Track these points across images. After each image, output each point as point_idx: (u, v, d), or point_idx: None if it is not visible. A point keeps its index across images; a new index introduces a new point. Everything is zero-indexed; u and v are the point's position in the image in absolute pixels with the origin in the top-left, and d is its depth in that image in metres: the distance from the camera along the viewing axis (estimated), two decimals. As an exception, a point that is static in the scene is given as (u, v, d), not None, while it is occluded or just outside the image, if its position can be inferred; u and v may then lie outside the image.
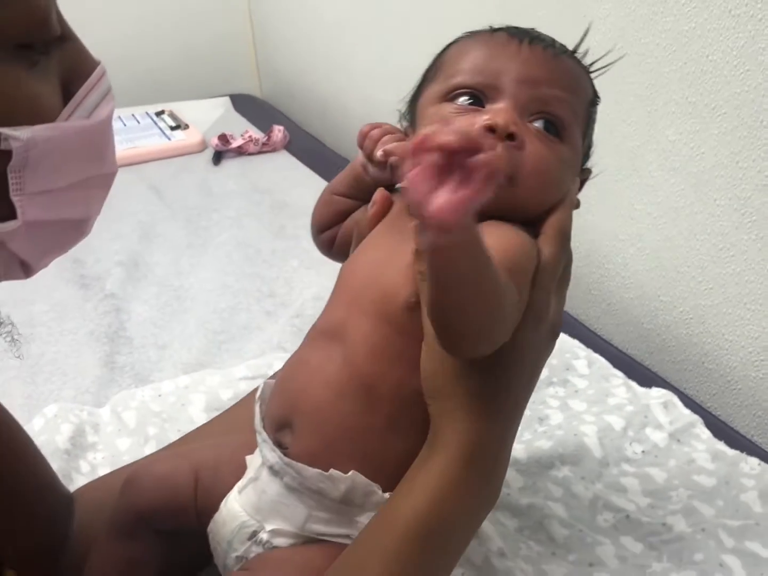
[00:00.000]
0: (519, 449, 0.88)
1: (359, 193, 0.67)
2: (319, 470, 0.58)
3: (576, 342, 1.09)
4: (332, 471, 0.57)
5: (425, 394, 0.56)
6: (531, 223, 0.59)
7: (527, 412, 0.95)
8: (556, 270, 0.58)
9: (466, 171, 0.42)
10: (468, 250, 0.45)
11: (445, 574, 0.56)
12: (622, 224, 1.13)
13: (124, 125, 1.88)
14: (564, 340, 1.09)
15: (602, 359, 1.06)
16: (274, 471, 0.60)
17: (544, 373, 1.02)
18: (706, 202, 1.00)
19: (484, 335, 0.51)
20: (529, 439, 0.91)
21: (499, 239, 0.54)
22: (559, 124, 0.60)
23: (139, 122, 1.90)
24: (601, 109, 1.09)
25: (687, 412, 0.96)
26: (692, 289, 1.06)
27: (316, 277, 1.30)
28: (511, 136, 0.57)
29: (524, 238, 0.57)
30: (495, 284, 0.48)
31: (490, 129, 0.57)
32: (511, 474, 0.85)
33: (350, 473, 0.57)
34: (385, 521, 0.55)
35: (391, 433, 0.58)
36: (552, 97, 0.60)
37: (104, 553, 0.66)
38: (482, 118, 0.58)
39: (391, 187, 0.65)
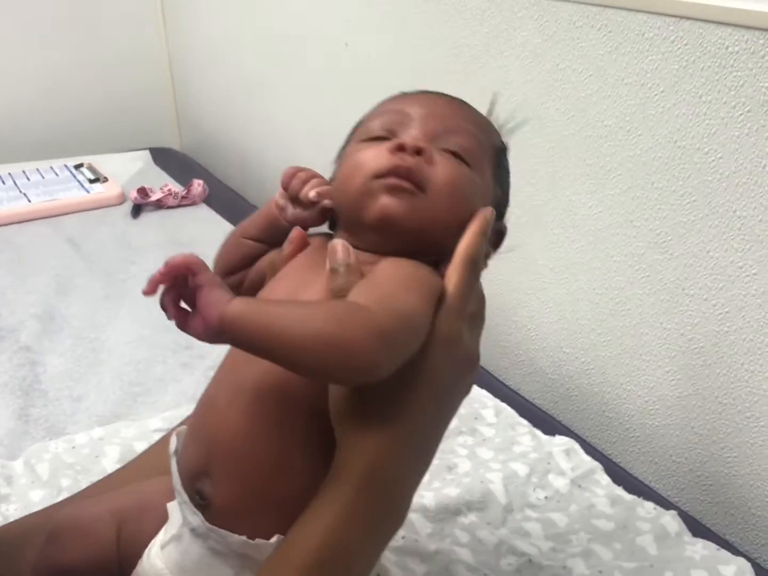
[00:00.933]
0: (428, 497, 0.91)
1: (272, 238, 0.68)
2: (244, 538, 0.57)
3: (484, 392, 1.13)
4: (257, 540, 0.57)
5: (332, 420, 0.57)
6: (438, 260, 0.61)
7: (436, 461, 0.98)
8: (463, 296, 0.59)
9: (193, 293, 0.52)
10: (243, 336, 0.51)
11: None
12: (527, 278, 1.18)
13: (42, 178, 1.88)
14: (473, 390, 1.13)
15: (509, 408, 1.10)
16: (196, 533, 0.60)
17: (454, 422, 1.05)
18: (604, 258, 1.06)
19: (340, 370, 0.52)
20: (437, 487, 0.94)
21: (391, 263, 0.59)
22: (466, 154, 0.63)
23: (57, 175, 1.90)
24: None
25: (588, 458, 1.00)
26: (592, 341, 1.11)
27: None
28: (419, 152, 0.61)
29: (421, 265, 0.60)
30: (302, 334, 0.51)
31: (400, 148, 0.61)
32: (419, 521, 0.88)
33: (274, 538, 0.57)
34: (281, 557, 0.54)
35: (310, 468, 0.58)
36: (459, 128, 0.64)
37: None
38: (391, 142, 0.61)
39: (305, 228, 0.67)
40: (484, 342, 1.33)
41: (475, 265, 0.60)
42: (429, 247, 0.61)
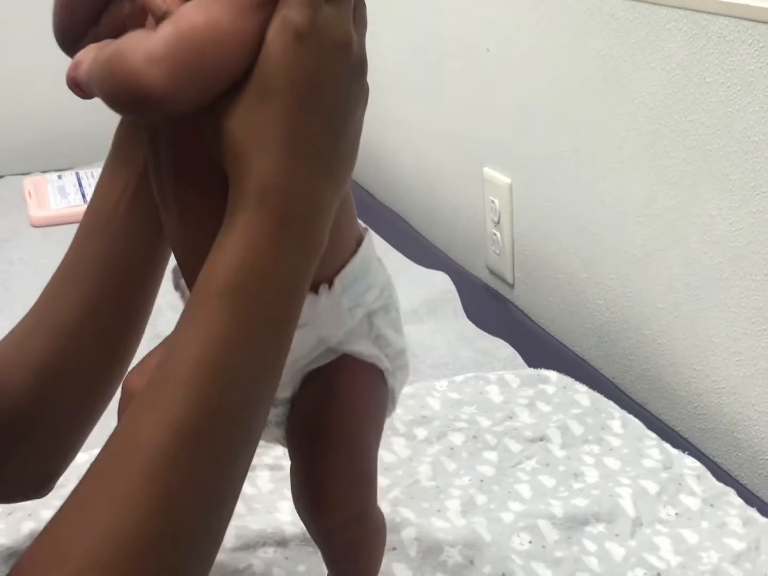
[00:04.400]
0: (556, 505, 0.92)
1: None
2: None
3: (611, 402, 1.13)
4: None
5: (223, 157, 0.53)
6: None
7: (561, 467, 1.00)
8: None
9: None
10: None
11: (280, 330, 0.53)
12: (660, 293, 1.17)
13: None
14: (599, 400, 1.13)
15: (636, 420, 1.10)
16: None
17: (580, 430, 1.06)
18: (742, 276, 1.04)
19: (122, 98, 0.50)
20: (565, 496, 0.95)
21: None
22: None
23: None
24: (643, 181, 1.14)
25: (720, 484, 0.99)
26: (725, 360, 1.09)
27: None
28: None
29: None
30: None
31: None
32: (546, 527, 0.89)
33: None
34: (198, 287, 0.52)
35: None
36: None
37: None
38: None
39: None
40: (611, 355, 1.33)
41: None
42: None
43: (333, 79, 0.54)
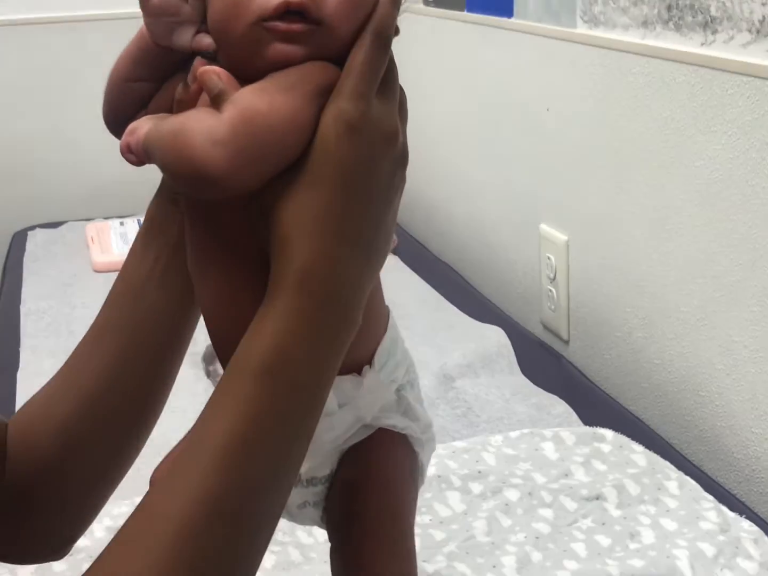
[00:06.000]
0: (612, 565, 0.92)
1: (158, 71, 0.61)
2: None
3: (667, 463, 1.13)
4: None
5: (268, 238, 0.54)
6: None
7: (617, 527, 0.99)
8: (370, 72, 0.54)
9: None
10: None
11: (308, 417, 0.54)
12: (719, 354, 1.17)
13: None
14: (655, 460, 1.13)
15: (693, 482, 1.09)
16: None
17: (636, 490, 1.06)
18: (805, 340, 1.04)
19: (184, 177, 0.51)
20: (621, 556, 0.94)
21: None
22: None
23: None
24: (703, 242, 1.15)
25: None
26: (786, 424, 1.09)
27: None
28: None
29: (317, 64, 0.54)
30: (157, 140, 0.52)
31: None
32: (603, 587, 0.89)
33: None
34: (230, 369, 0.54)
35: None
36: None
37: None
38: None
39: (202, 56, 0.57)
40: (668, 415, 1.33)
41: (386, 39, 0.54)
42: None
43: (380, 170, 0.55)
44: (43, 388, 0.73)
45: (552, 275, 1.52)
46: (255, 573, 0.54)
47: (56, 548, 0.74)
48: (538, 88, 1.53)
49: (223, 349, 0.60)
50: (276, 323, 0.53)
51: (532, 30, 1.52)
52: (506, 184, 1.69)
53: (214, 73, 0.53)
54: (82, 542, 0.78)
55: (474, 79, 1.78)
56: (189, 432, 0.55)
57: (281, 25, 0.52)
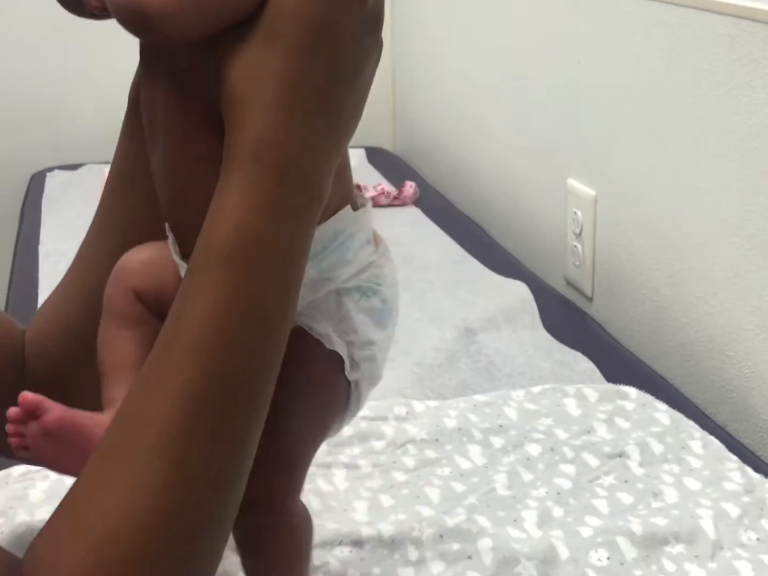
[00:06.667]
0: (635, 522, 0.91)
1: None
2: None
3: (691, 423, 1.11)
4: None
5: (221, 101, 0.52)
6: None
7: (640, 486, 0.98)
8: None
9: None
10: None
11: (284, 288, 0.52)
12: (748, 314, 1.15)
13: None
14: (679, 419, 1.11)
15: (717, 442, 1.08)
16: None
17: (659, 449, 1.05)
18: (838, 302, 1.02)
19: (128, 17, 0.50)
20: (644, 514, 0.93)
21: None
22: None
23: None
24: (736, 200, 1.12)
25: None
26: (815, 386, 1.07)
27: (438, 331, 1.35)
28: None
29: None
30: None
31: None
32: (625, 544, 0.88)
33: None
34: (196, 251, 0.52)
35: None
36: None
37: (115, 342, 0.61)
38: None
39: None
40: (693, 374, 1.31)
41: None
42: None
43: (344, 29, 0.51)
44: (54, 290, 0.72)
45: (578, 231, 1.50)
46: (247, 472, 0.53)
47: None
48: (570, 39, 1.50)
49: (169, 210, 0.58)
50: (234, 199, 0.50)
51: (566, -21, 1.49)
52: (534, 138, 1.66)
53: None
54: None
55: (504, 30, 1.75)
56: (161, 331, 0.52)
57: None
